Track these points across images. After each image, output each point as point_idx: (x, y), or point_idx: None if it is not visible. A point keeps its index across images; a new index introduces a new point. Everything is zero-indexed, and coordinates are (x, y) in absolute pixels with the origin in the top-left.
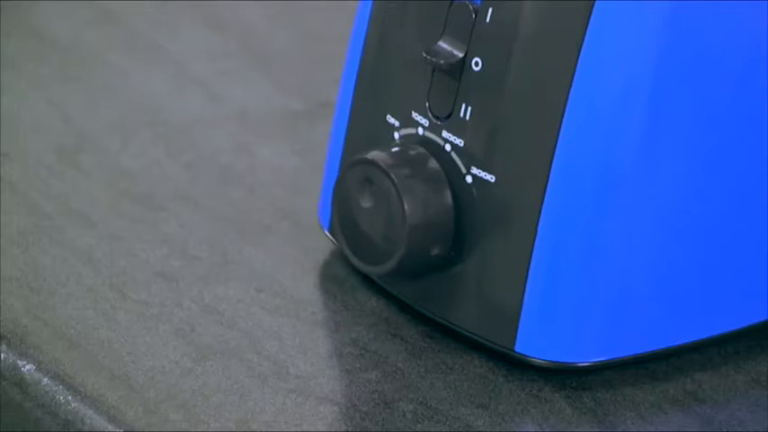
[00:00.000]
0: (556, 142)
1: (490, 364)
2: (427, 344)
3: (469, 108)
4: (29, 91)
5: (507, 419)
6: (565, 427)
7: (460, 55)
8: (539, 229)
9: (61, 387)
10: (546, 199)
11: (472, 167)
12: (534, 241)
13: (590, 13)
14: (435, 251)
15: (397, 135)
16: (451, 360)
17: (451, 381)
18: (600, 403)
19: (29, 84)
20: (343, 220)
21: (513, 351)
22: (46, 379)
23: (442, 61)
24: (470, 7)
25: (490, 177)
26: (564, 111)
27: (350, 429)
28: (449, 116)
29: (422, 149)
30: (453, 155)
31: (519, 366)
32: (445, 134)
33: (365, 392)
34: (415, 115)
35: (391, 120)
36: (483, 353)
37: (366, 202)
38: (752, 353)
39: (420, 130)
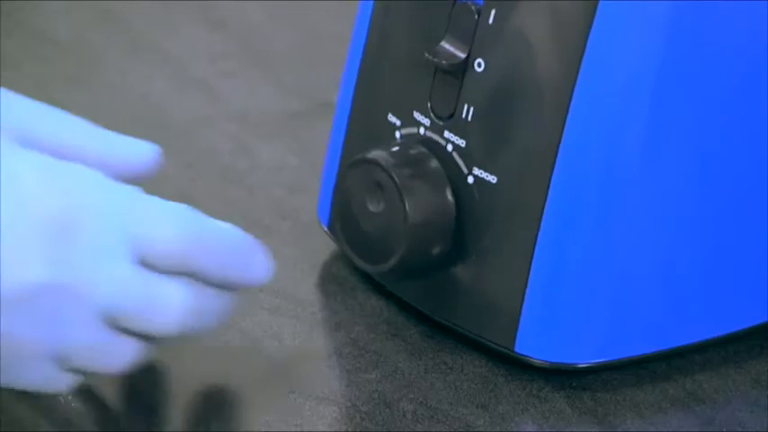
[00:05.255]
0: (558, 143)
1: (490, 364)
2: (427, 344)
3: (472, 108)
4: (29, 91)
5: (507, 419)
6: (565, 427)
7: (463, 56)
8: (540, 229)
9: None
10: (548, 200)
11: (474, 168)
12: (536, 242)
13: (594, 13)
14: (436, 251)
15: (398, 134)
16: (451, 360)
17: (451, 381)
18: (600, 403)
19: (29, 84)
20: (344, 219)
21: (514, 351)
22: None
23: (444, 62)
24: (473, 8)
25: (492, 178)
26: (567, 111)
27: (350, 429)
28: (451, 116)
29: (423, 149)
30: (455, 155)
31: (519, 366)
32: (447, 134)
33: (365, 392)
34: (416, 115)
35: (393, 119)
36: (483, 353)
37: (367, 202)
38: (752, 353)
39: (422, 130)
